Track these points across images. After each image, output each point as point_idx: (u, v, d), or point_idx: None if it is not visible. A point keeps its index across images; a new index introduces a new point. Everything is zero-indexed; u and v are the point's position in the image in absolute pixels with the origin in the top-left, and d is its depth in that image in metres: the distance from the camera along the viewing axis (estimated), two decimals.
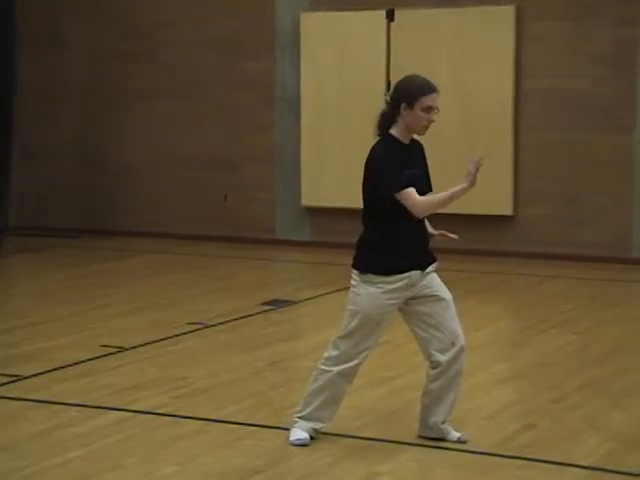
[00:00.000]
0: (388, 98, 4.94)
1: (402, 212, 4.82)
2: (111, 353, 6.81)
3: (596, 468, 4.71)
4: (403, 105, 4.84)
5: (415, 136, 4.98)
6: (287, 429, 5.18)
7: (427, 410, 5.02)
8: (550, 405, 5.62)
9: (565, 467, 4.67)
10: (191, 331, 7.43)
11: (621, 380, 6.17)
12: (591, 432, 5.19)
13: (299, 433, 5.01)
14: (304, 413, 5.03)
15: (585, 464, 4.75)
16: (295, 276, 10.10)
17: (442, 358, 4.91)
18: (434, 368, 4.95)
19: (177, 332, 7.36)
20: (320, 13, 10.93)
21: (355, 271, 4.93)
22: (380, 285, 4.85)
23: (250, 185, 11.49)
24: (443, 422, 5.00)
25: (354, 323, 4.92)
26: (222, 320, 7.74)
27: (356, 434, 5.19)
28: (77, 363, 6.57)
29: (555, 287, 9.04)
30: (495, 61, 10.10)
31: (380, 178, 4.83)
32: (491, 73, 10.20)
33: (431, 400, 5.00)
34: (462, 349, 4.94)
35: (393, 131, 4.91)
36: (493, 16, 10.23)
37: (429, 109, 4.88)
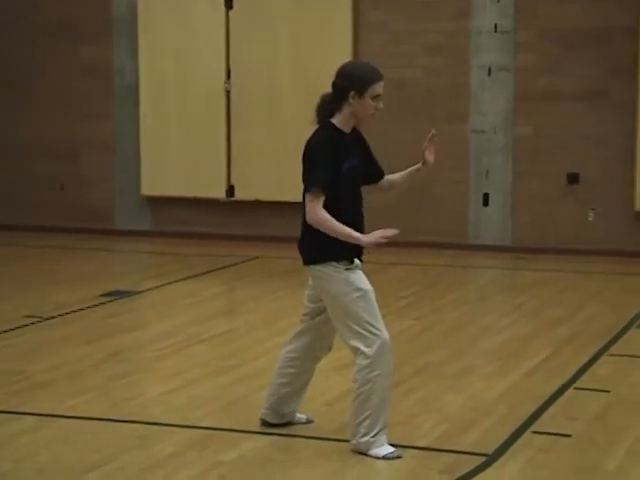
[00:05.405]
0: (337, 84, 4.67)
1: (336, 200, 4.68)
2: None
3: (431, 449, 4.86)
4: (352, 94, 4.65)
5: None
6: (128, 421, 5.14)
7: (282, 399, 5.03)
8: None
9: (403, 449, 4.78)
10: (28, 324, 7.25)
11: (455, 363, 6.35)
12: (427, 415, 5.34)
13: (387, 447, 4.72)
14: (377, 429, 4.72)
15: (422, 445, 4.89)
16: (136, 266, 9.98)
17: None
18: (315, 361, 5.01)
19: (13, 326, 7.17)
20: None
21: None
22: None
23: (88, 174, 11.28)
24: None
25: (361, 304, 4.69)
26: (60, 312, 7.58)
27: (198, 424, 5.17)
28: None
29: (395, 274, 9.22)
30: (334, 50, 10.19)
31: (308, 170, 4.66)
32: (330, 61, 10.16)
33: (291, 390, 5.02)
34: None
35: (335, 120, 4.74)
36: (331, 5, 10.33)
37: (378, 97, 4.73)
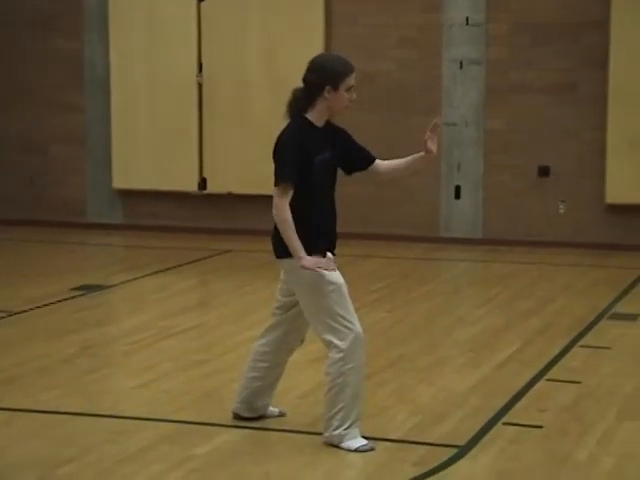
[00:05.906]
0: (306, 79, 4.70)
1: (308, 194, 4.67)
2: None
3: (404, 441, 4.87)
4: (327, 88, 4.66)
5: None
6: (99, 415, 5.12)
7: (255, 393, 5.02)
8: None
9: (376, 441, 4.79)
10: None
11: (428, 355, 6.37)
12: (400, 407, 5.35)
13: (360, 439, 4.74)
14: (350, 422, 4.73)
15: (394, 437, 4.90)
16: (107, 260, 9.93)
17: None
18: (288, 354, 5.02)
19: None
20: None
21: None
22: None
23: (59, 167, 11.20)
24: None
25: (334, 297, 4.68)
26: (30, 307, 7.52)
27: (170, 418, 5.16)
28: None
29: (367, 266, 9.22)
30: (306, 43, 10.18)
31: (278, 165, 4.66)
32: (302, 55, 10.13)
33: (264, 384, 5.01)
34: None
35: (309, 115, 4.73)
36: None
37: (351, 88, 4.73)
